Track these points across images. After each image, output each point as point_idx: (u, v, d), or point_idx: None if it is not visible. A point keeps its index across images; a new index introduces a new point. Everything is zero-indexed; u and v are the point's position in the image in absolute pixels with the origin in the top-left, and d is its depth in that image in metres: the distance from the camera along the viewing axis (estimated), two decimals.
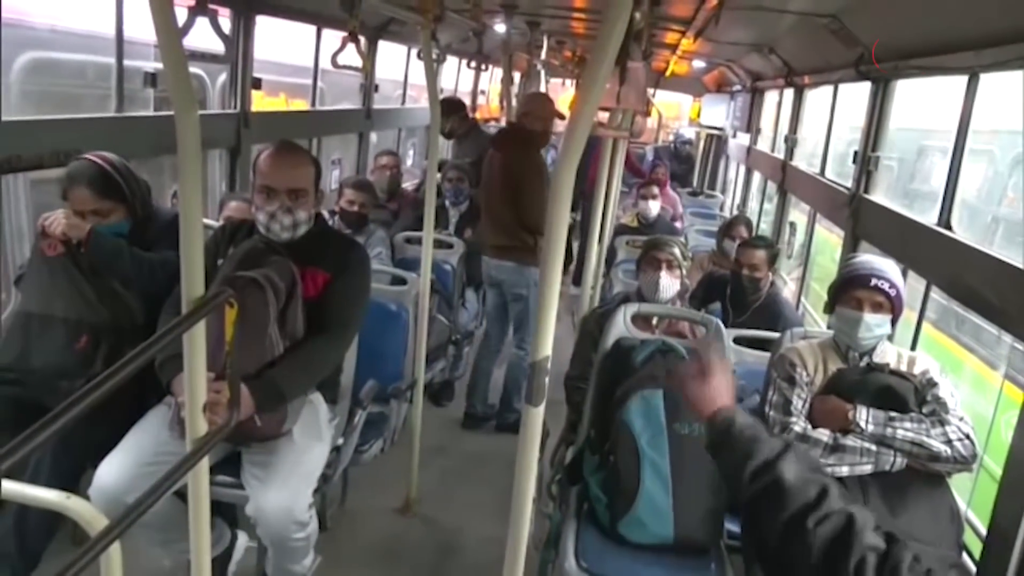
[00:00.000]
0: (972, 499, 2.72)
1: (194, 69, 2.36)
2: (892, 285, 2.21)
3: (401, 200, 4.61)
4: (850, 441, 2.10)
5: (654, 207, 5.49)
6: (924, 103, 4.22)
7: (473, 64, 6.46)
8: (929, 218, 2.93)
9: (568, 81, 10.01)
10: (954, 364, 4.62)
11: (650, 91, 5.87)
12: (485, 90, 9.06)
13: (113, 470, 2.02)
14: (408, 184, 5.67)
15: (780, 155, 5.94)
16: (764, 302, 3.41)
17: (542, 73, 7.85)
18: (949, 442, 2.04)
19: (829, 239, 5.45)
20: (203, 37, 2.14)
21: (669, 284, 2.90)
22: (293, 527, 2.13)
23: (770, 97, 7.02)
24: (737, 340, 2.96)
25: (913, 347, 2.91)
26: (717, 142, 9.84)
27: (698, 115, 9.77)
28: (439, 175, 4.23)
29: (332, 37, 4.43)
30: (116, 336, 2.30)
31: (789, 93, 5.95)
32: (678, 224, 6.35)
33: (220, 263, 2.21)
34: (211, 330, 1.64)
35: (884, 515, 2.00)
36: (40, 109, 3.52)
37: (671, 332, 2.75)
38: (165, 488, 1.32)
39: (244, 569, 2.53)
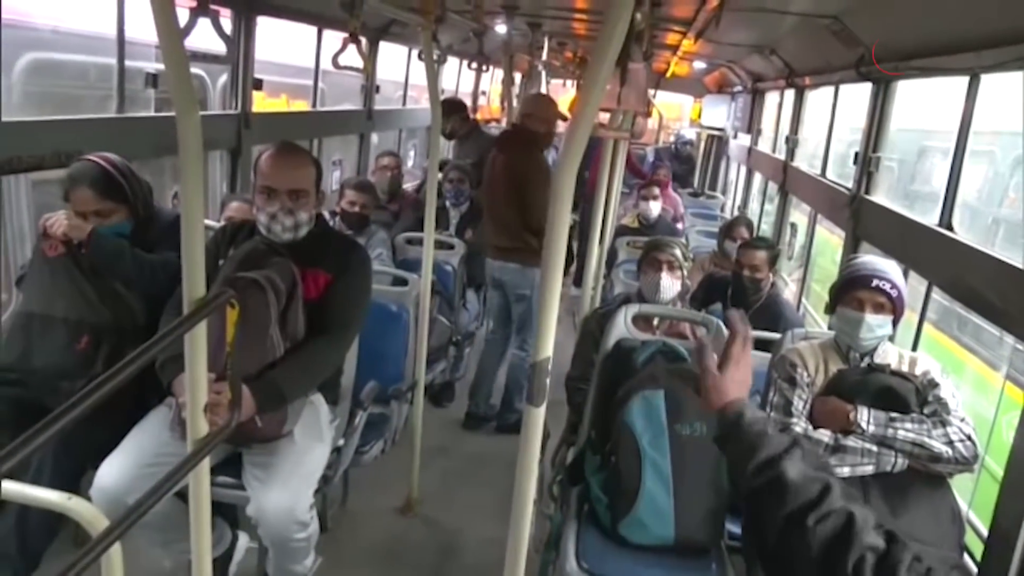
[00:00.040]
0: (973, 500, 2.73)
1: (195, 70, 2.37)
2: (893, 286, 2.21)
3: (402, 201, 4.60)
4: (851, 442, 2.10)
5: (655, 208, 5.49)
6: (925, 104, 4.22)
7: (474, 65, 6.45)
8: (930, 219, 2.93)
9: (569, 82, 10.00)
10: (955, 365, 4.61)
11: (651, 92, 5.86)
12: (486, 91, 9.06)
13: (114, 471, 2.02)
14: (409, 185, 5.67)
15: (781, 156, 5.94)
16: (765, 303, 3.41)
17: (543, 74, 7.84)
18: (950, 443, 2.04)
19: (830, 240, 5.45)
20: (203, 37, 2.14)
21: (670, 285, 2.90)
22: (294, 528, 2.13)
23: (771, 98, 7.02)
24: None
25: (914, 348, 2.91)
26: (718, 143, 9.84)
27: (699, 116, 9.77)
28: (440, 176, 4.23)
29: (333, 38, 4.43)
30: (117, 337, 2.30)
31: (790, 94, 5.95)
32: (679, 225, 6.34)
33: (221, 264, 2.21)
34: (212, 331, 1.64)
35: (885, 516, 1.99)
36: (41, 110, 3.52)
37: (672, 333, 2.76)
38: (166, 489, 1.32)
39: (245, 570, 2.54)
